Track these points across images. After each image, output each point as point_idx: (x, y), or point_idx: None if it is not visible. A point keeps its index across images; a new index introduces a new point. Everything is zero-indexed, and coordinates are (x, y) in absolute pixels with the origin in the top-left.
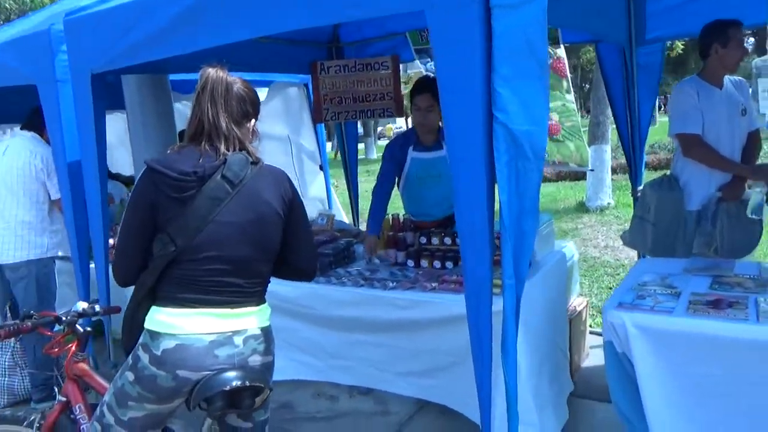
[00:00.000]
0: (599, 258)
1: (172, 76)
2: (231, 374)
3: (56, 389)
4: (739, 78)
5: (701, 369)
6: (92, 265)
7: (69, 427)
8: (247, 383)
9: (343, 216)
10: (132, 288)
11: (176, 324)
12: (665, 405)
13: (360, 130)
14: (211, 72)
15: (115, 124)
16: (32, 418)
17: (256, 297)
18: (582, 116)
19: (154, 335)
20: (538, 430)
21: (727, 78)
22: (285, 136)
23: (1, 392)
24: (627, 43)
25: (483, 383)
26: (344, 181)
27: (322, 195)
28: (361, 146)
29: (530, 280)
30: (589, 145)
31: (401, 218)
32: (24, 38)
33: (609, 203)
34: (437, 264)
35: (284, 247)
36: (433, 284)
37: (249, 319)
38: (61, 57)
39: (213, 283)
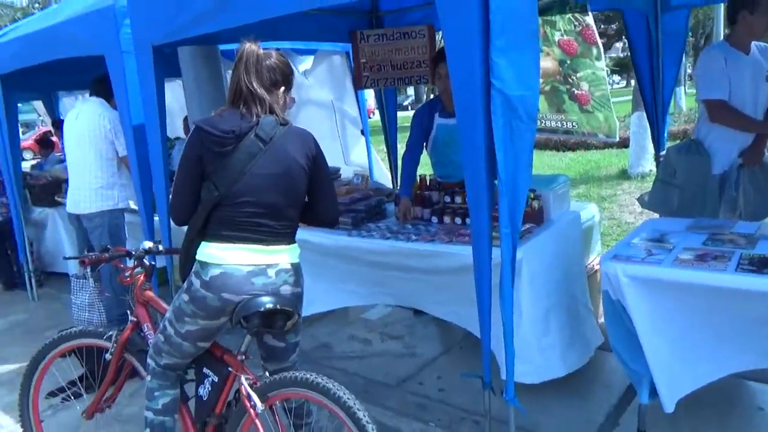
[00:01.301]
0: (633, 223)
1: (222, 46)
2: (265, 299)
3: (128, 312)
4: (765, 44)
5: (685, 314)
6: (156, 218)
7: (138, 342)
8: (278, 307)
9: (389, 178)
10: (186, 229)
11: (221, 256)
12: (659, 346)
13: (411, 96)
14: (247, 46)
15: (173, 92)
16: (110, 333)
17: (287, 237)
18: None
19: (204, 265)
20: (534, 368)
21: (753, 44)
22: (329, 102)
23: (83, 325)
24: (652, 9)
25: (484, 323)
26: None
27: (363, 158)
28: (411, 113)
29: (540, 235)
30: (633, 112)
31: (428, 179)
32: (92, 13)
33: (651, 170)
34: (458, 220)
35: (309, 197)
36: (451, 237)
37: (281, 256)
38: (125, 30)
39: (249, 224)
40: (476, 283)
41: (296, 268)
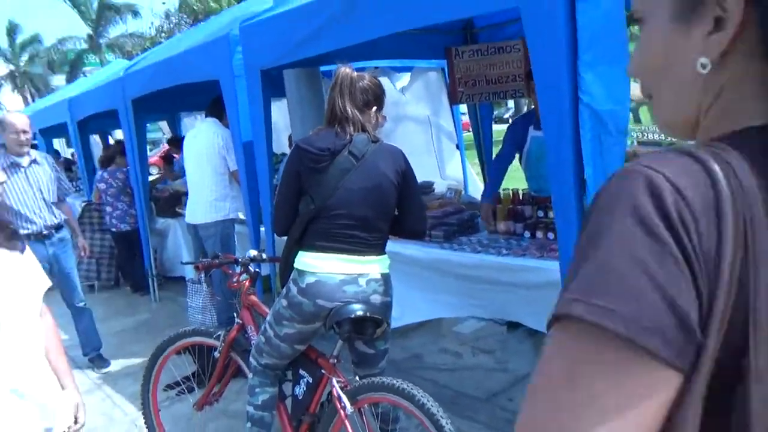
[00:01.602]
0: None
1: (323, 68)
2: (356, 306)
3: (235, 315)
4: None
5: None
6: (262, 229)
7: (243, 342)
8: (368, 314)
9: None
10: (285, 238)
11: (316, 264)
12: None
13: (512, 109)
14: (342, 69)
15: (280, 111)
16: (219, 333)
17: (377, 248)
18: None
19: (300, 273)
20: None
21: None
22: (425, 118)
23: (197, 326)
24: None
25: None
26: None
27: (458, 172)
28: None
29: None
30: None
31: (521, 193)
32: (209, 42)
33: None
34: (550, 235)
35: (399, 210)
36: (542, 252)
37: (372, 266)
38: (237, 57)
39: (343, 235)
40: None
41: (386, 278)
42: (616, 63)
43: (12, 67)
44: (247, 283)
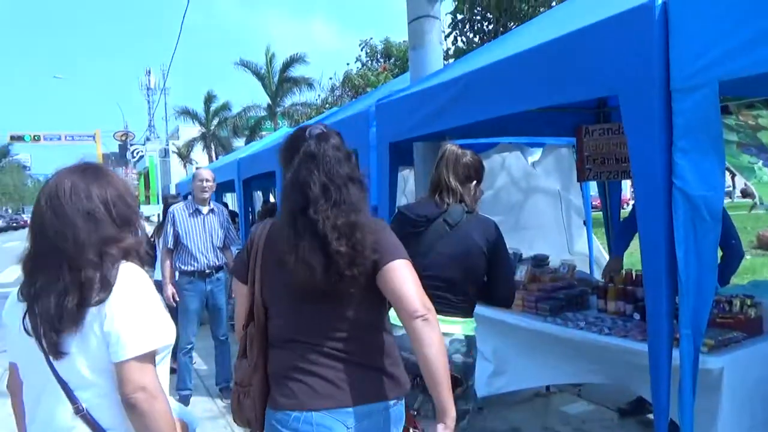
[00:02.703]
0: None
1: (460, 141)
2: None
3: None
4: None
5: None
6: None
7: None
8: (451, 372)
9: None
10: None
11: None
12: None
13: None
14: (448, 146)
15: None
16: None
17: (463, 311)
18: None
19: (394, 326)
20: None
21: None
22: (556, 191)
23: None
24: None
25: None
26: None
27: (585, 248)
28: None
29: (752, 347)
30: None
31: (634, 273)
32: (352, 117)
33: None
34: None
35: (488, 278)
36: (644, 336)
37: (456, 326)
38: (372, 130)
39: (431, 296)
40: (652, 385)
41: (470, 340)
42: (710, 151)
43: (203, 130)
44: None
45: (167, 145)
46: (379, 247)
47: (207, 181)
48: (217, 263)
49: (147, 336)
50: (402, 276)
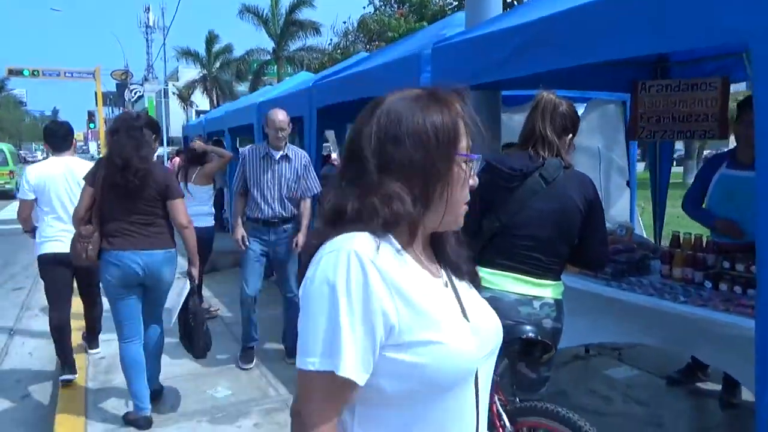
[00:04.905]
0: None
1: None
2: (527, 327)
3: None
4: None
5: None
6: None
7: None
8: (539, 338)
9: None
10: None
11: (493, 281)
12: None
13: (680, 151)
14: (545, 94)
15: None
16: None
17: (553, 273)
18: None
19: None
20: None
21: None
22: (596, 150)
23: None
24: None
25: (762, 417)
26: (651, 203)
27: (625, 212)
28: (679, 169)
29: None
30: None
31: (704, 240)
32: (399, 60)
33: None
34: (738, 289)
35: (580, 238)
36: (728, 306)
37: (546, 290)
38: (424, 75)
39: (523, 255)
40: (756, 365)
41: (559, 304)
42: None
43: (204, 72)
44: None
45: (166, 85)
46: None
47: (282, 122)
48: (284, 215)
49: None
50: None
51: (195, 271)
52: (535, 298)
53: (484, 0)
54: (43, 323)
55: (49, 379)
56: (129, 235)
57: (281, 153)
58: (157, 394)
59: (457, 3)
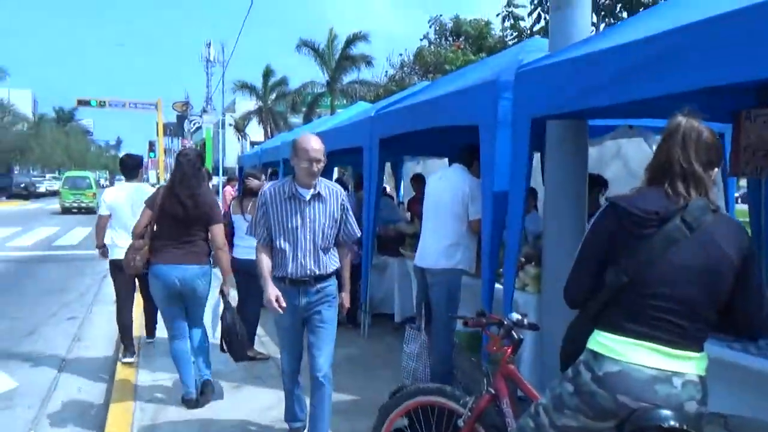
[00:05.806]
0: None
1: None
2: (669, 413)
3: (485, 381)
4: None
5: None
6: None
7: (494, 417)
8: (684, 426)
9: None
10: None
11: (620, 350)
12: None
13: None
14: (684, 120)
15: None
16: (466, 399)
17: (697, 343)
18: None
19: (598, 356)
20: None
21: None
22: None
23: (408, 374)
24: None
25: None
26: None
27: None
28: None
29: None
30: None
31: None
32: (474, 86)
33: None
34: None
35: (732, 299)
36: None
37: (689, 364)
38: (503, 103)
39: (658, 320)
40: None
41: (704, 383)
42: None
43: (260, 104)
44: (509, 351)
45: (223, 116)
46: None
47: (317, 152)
48: (317, 272)
49: None
50: None
51: (226, 289)
52: (675, 374)
53: (572, 18)
54: (94, 354)
55: (95, 418)
56: (171, 251)
57: (312, 192)
58: (206, 386)
59: (517, 33)
